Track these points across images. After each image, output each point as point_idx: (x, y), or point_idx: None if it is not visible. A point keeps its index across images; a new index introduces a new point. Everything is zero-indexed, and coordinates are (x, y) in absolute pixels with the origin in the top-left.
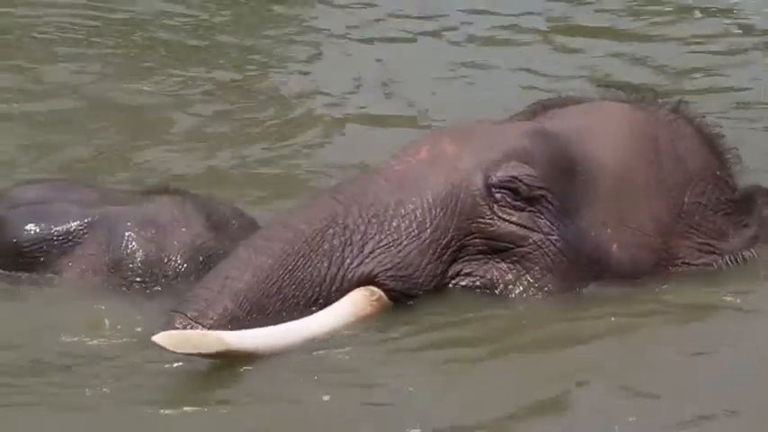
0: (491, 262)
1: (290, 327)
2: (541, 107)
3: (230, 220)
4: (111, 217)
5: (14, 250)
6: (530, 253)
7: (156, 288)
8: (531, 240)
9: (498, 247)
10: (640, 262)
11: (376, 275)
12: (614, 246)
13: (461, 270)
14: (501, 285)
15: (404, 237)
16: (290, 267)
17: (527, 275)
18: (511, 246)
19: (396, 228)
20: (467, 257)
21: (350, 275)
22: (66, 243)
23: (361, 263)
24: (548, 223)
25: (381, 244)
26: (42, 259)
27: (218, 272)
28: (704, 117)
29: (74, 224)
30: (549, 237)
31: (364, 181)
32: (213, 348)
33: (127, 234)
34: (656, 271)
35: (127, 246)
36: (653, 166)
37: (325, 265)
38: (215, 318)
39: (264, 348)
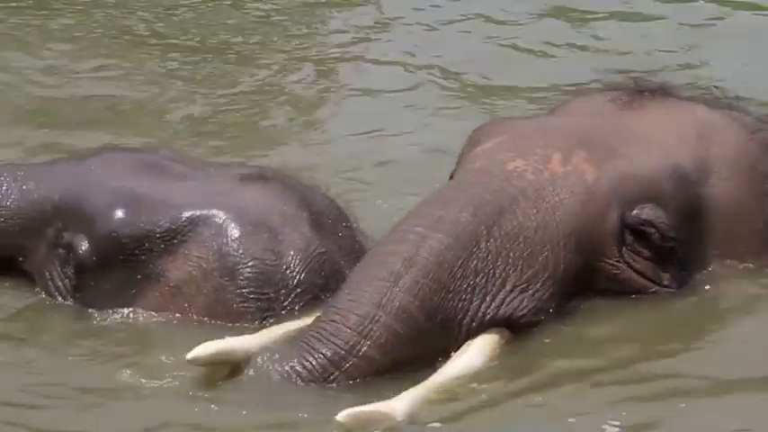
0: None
1: (437, 378)
2: (637, 91)
3: (326, 214)
4: (217, 215)
5: (114, 247)
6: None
7: (272, 306)
8: (648, 290)
9: (617, 290)
10: None
11: (512, 318)
12: None
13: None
14: None
15: (541, 274)
16: (434, 306)
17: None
18: (629, 292)
19: (534, 262)
20: (584, 294)
21: (489, 315)
22: (169, 241)
23: (501, 303)
24: (669, 277)
25: (521, 282)
26: (144, 258)
27: (354, 302)
28: None
29: (177, 219)
30: (669, 289)
31: (497, 193)
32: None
33: (239, 238)
34: None
35: (240, 251)
36: (758, 199)
37: (467, 300)
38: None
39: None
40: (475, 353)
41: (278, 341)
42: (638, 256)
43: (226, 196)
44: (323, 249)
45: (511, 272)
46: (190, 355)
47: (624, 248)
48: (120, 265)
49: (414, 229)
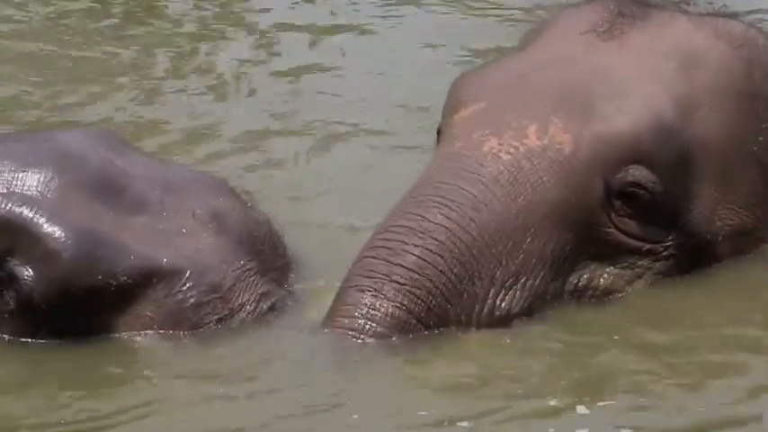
0: (604, 270)
1: None
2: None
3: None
4: (174, 272)
5: (63, 292)
6: (641, 261)
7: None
8: (643, 249)
9: (612, 254)
10: (742, 248)
11: (507, 318)
12: (720, 237)
13: (577, 284)
14: (611, 291)
15: (529, 263)
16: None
17: (640, 281)
18: (625, 254)
19: (519, 253)
20: (579, 268)
21: (483, 320)
22: (122, 296)
23: (493, 305)
24: (662, 231)
25: (509, 277)
26: (94, 309)
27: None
28: None
29: (134, 272)
30: (663, 244)
31: (472, 184)
32: None
33: (195, 304)
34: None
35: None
36: (748, 129)
37: (456, 308)
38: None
39: None
40: None
41: None
42: (629, 219)
43: (182, 247)
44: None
45: (497, 269)
46: None
47: (613, 214)
48: (66, 312)
49: (395, 232)
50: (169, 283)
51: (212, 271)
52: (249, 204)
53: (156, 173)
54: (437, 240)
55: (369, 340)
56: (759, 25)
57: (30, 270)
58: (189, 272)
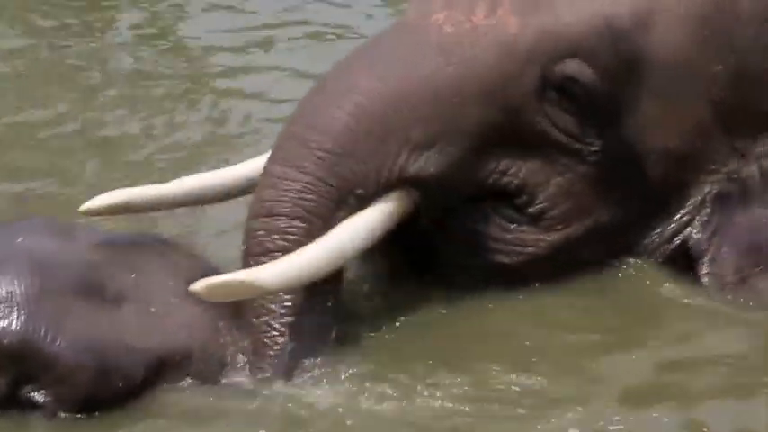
0: (526, 160)
1: (322, 246)
2: None
3: None
4: None
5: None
6: (566, 160)
7: None
8: (572, 148)
9: (537, 146)
10: (671, 172)
11: (417, 177)
12: (653, 156)
13: (496, 167)
14: (531, 186)
15: (449, 130)
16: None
17: (560, 178)
18: (550, 149)
19: (441, 118)
20: (502, 153)
21: (393, 176)
22: None
23: (405, 161)
24: (594, 132)
25: (427, 138)
26: None
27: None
28: None
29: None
30: (591, 147)
31: (412, 48)
32: (253, 294)
33: None
34: (692, 183)
35: None
36: (709, 59)
37: (370, 161)
38: None
39: (305, 278)
40: (373, 212)
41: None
42: (563, 113)
43: (179, 326)
44: None
45: (414, 130)
46: (83, 207)
47: (546, 104)
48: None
49: (321, 92)
50: (179, 367)
51: (213, 343)
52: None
53: (116, 254)
54: (355, 101)
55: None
56: None
57: (49, 395)
58: (194, 349)
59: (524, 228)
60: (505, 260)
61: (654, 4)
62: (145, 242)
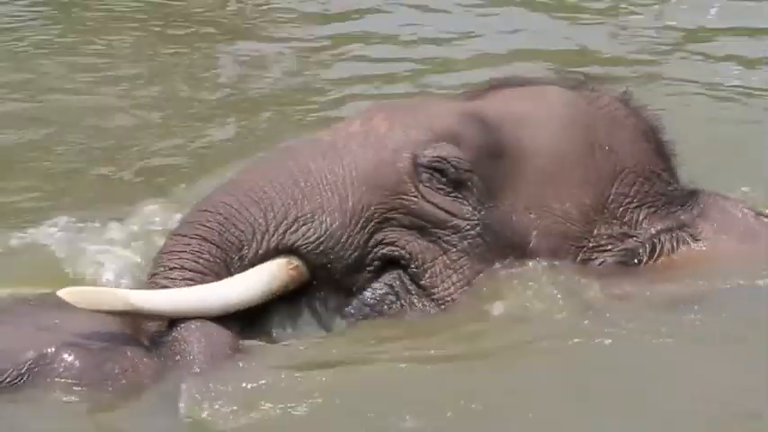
0: (413, 236)
1: (202, 290)
2: (490, 87)
3: None
4: None
5: None
6: (448, 236)
7: None
8: (451, 224)
9: (420, 225)
10: (559, 250)
11: (297, 246)
12: (534, 232)
13: (383, 239)
14: (419, 260)
15: (326, 208)
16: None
17: (444, 256)
18: (431, 226)
19: (317, 198)
20: (389, 229)
21: (272, 244)
22: None
23: (284, 232)
24: (470, 209)
25: (303, 213)
26: None
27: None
28: (647, 108)
29: None
30: (470, 222)
31: (291, 148)
32: (118, 307)
33: None
34: (575, 259)
35: None
36: (584, 154)
37: (248, 231)
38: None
39: (173, 311)
40: (253, 276)
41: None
42: (437, 192)
43: None
44: None
45: (292, 207)
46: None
47: (422, 185)
48: None
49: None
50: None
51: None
52: None
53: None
54: (244, 186)
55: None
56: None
57: None
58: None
59: (414, 297)
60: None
61: (528, 110)
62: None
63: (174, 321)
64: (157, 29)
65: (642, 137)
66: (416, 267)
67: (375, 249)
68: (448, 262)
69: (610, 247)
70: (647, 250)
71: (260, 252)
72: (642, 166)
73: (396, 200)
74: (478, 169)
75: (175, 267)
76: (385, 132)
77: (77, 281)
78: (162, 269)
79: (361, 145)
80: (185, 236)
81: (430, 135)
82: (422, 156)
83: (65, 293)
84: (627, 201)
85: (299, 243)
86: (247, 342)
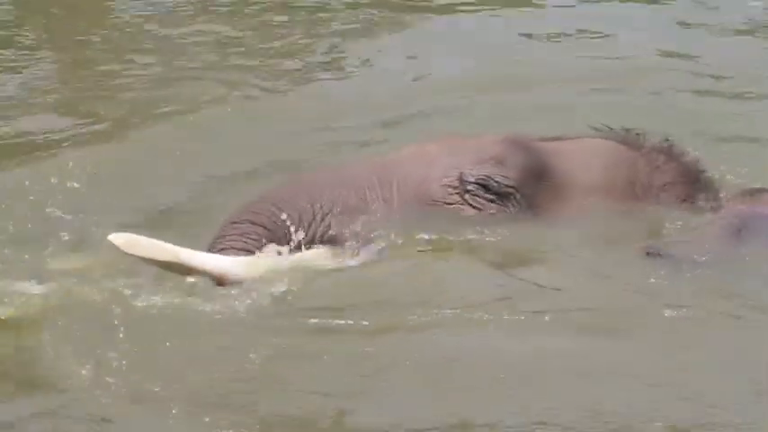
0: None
1: (246, 258)
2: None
3: None
4: None
5: None
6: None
7: None
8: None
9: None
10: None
11: (338, 236)
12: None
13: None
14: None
15: (371, 206)
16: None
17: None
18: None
19: (364, 198)
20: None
21: (318, 232)
22: None
23: (329, 223)
24: (511, 204)
25: (348, 208)
26: None
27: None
28: (692, 154)
29: None
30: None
31: (347, 162)
32: (163, 257)
33: None
34: None
35: None
36: (624, 189)
37: (296, 218)
38: None
39: (214, 269)
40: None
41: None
42: (484, 200)
43: None
44: None
45: (338, 202)
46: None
47: (468, 195)
48: None
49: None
50: None
51: None
52: None
53: None
54: (296, 183)
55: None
56: None
57: None
58: None
59: None
60: None
61: (571, 149)
62: None
63: None
64: None
65: (684, 178)
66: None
67: None
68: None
69: None
70: None
71: (305, 238)
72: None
73: (440, 209)
74: (522, 188)
75: (225, 248)
76: (436, 154)
77: None
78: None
79: (414, 164)
80: (237, 222)
81: (477, 157)
82: (468, 174)
83: (114, 237)
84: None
85: (341, 233)
86: None
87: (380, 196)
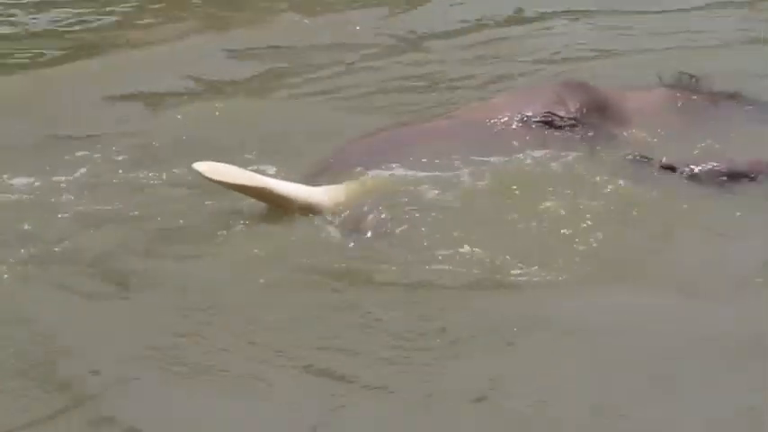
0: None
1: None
2: None
3: None
4: None
5: None
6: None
7: None
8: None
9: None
10: None
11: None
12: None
13: None
14: None
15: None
16: None
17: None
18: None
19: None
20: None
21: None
22: None
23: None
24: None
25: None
26: None
27: None
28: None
29: None
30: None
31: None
32: (243, 182)
33: None
34: None
35: None
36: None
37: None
38: None
39: (289, 194)
40: None
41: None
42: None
43: None
44: None
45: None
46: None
47: (533, 131)
48: None
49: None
50: None
51: None
52: None
53: None
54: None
55: None
56: None
57: None
58: None
59: None
60: None
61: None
62: None
63: None
64: None
65: None
66: None
67: None
68: None
69: None
70: None
71: None
72: None
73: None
74: (583, 120)
75: None
76: (500, 104)
77: None
78: None
79: (478, 115)
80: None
81: (539, 101)
82: (532, 117)
83: (198, 165)
84: None
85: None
86: None
87: (443, 143)
